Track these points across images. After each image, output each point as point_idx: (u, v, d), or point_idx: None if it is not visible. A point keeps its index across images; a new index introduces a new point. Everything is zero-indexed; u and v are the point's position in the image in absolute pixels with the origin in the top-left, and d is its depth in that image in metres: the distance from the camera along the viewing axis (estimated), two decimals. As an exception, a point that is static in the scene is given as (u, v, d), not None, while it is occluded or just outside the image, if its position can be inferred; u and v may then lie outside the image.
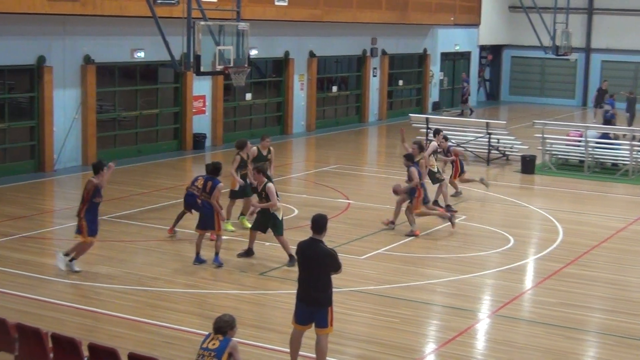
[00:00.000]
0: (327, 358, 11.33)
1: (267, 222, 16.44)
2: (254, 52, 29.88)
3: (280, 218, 16.43)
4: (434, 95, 45.23)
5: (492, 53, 51.71)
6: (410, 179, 19.16)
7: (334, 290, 11.25)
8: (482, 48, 50.16)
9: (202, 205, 16.38)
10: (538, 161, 27.88)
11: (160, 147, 29.07)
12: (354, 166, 28.30)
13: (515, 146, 29.69)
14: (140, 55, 27.85)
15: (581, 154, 28.31)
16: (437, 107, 44.92)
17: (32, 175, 24.81)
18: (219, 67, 21.56)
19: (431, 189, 21.07)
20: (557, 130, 30.39)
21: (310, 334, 11.38)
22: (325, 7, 33.62)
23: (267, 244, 17.80)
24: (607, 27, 49.16)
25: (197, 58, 21.13)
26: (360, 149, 33.46)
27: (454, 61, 47.29)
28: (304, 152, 32.18)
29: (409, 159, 19.58)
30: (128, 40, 27.46)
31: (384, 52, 40.31)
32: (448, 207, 21.30)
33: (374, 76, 40.05)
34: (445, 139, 23.15)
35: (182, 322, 13.31)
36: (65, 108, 25.75)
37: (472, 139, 29.98)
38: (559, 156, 29.14)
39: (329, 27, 35.63)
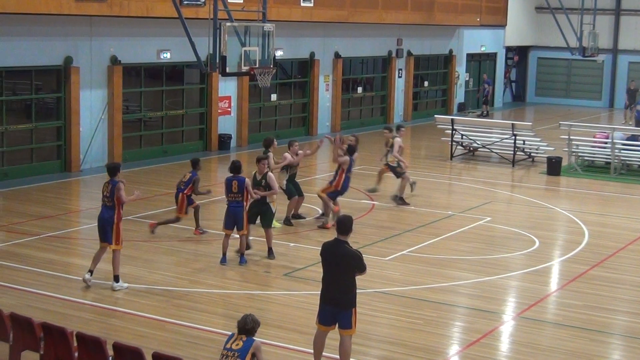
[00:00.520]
0: (351, 359, 11.32)
1: (259, 212, 16.74)
2: (279, 53, 29.92)
3: (273, 210, 16.92)
4: (459, 96, 45.11)
5: (519, 54, 51.49)
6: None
7: (358, 291, 11.25)
8: (509, 49, 49.96)
9: (228, 205, 16.37)
10: (564, 163, 27.74)
11: (185, 148, 29.16)
12: (378, 167, 28.22)
13: (541, 148, 29.56)
14: (167, 56, 27.96)
15: (607, 156, 28.14)
16: (462, 109, 44.79)
17: (59, 175, 24.96)
18: (244, 68, 21.59)
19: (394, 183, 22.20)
20: (583, 132, 30.24)
21: (334, 335, 11.39)
22: (350, 8, 33.60)
23: (292, 244, 17.85)
24: (634, 28, 48.83)
25: (223, 59, 21.17)
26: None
27: (480, 62, 47.14)
28: (329, 153, 32.09)
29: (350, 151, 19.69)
30: (154, 41, 27.57)
31: (409, 53, 40.25)
32: (401, 199, 22.00)
33: (399, 77, 39.99)
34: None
35: (206, 322, 13.35)
36: (92, 108, 25.89)
37: (498, 140, 29.87)
38: (585, 158, 28.98)
39: (355, 28, 35.62)
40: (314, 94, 34.67)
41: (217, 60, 21.34)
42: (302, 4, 31.18)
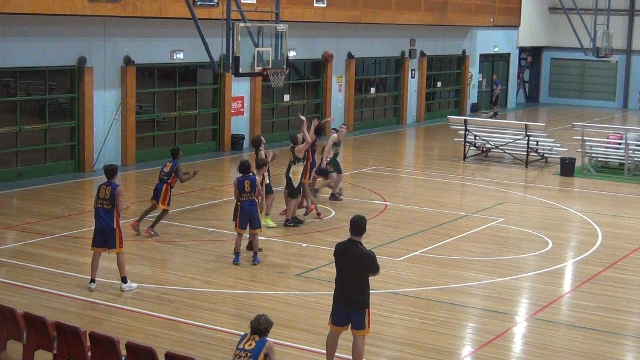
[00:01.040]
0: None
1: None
2: (292, 54, 29.93)
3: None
4: (472, 97, 45.04)
5: (532, 55, 51.40)
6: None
7: (371, 292, 11.24)
8: (522, 50, 49.86)
9: (242, 205, 16.36)
10: (577, 164, 27.67)
11: (198, 148, 29.21)
12: (391, 168, 28.27)
13: (554, 148, 29.48)
14: (180, 56, 28.01)
15: (621, 157, 28.05)
16: (475, 109, 44.73)
17: (72, 175, 25.04)
18: (257, 69, 21.62)
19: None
20: (597, 133, 30.17)
21: (346, 336, 11.39)
22: (363, 9, 33.59)
23: (305, 245, 17.85)
24: (648, 28, 48.74)
25: (236, 59, 21.20)
26: (398, 151, 33.40)
27: (493, 63, 47.06)
28: (342, 154, 32.06)
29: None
30: (167, 41, 27.63)
31: (422, 54, 40.22)
32: (333, 196, 21.92)
33: (412, 77, 39.97)
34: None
35: (219, 322, 13.36)
36: (105, 109, 25.96)
37: (511, 141, 29.81)
38: (599, 159, 28.90)
39: (368, 29, 35.61)
40: (327, 94, 34.68)
41: (230, 61, 21.37)
42: (315, 5, 31.20)
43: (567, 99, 50.83)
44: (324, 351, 11.47)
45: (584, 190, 25.66)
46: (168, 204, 18.40)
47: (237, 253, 16.43)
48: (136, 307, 13.96)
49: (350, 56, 35.60)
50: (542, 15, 50.25)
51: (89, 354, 10.42)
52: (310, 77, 34.87)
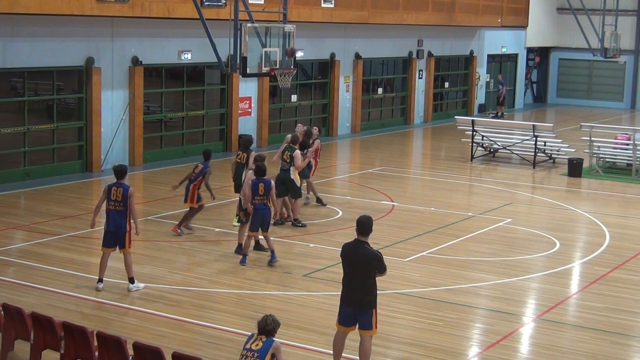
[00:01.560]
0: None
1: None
2: (300, 54, 29.93)
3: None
4: (480, 97, 45.00)
5: (540, 55, 51.33)
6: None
7: (378, 292, 11.24)
8: (530, 50, 49.80)
9: (255, 208, 16.32)
10: (585, 164, 27.63)
11: (206, 148, 29.16)
12: (398, 168, 28.25)
13: (562, 149, 29.44)
14: (187, 56, 28.03)
15: (629, 157, 28.00)
16: (483, 110, 44.68)
17: (80, 175, 25.08)
18: (265, 69, 21.63)
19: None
20: (604, 133, 30.11)
21: (354, 336, 11.39)
22: (371, 9, 33.59)
23: (312, 245, 17.86)
24: (657, 29, 48.62)
25: (244, 60, 21.19)
26: (405, 151, 33.38)
27: (501, 63, 47.02)
28: (349, 154, 32.17)
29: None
30: (175, 42, 27.65)
31: (430, 54, 40.20)
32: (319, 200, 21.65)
33: (420, 78, 39.95)
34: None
35: (226, 322, 13.37)
36: (113, 109, 26.00)
37: (519, 141, 29.78)
38: (607, 159, 28.85)
39: (375, 29, 35.60)
40: (334, 94, 34.67)
41: (238, 61, 21.37)
42: (323, 5, 31.21)
43: (574, 99, 50.75)
44: (331, 351, 11.47)
45: (591, 191, 25.62)
46: (197, 202, 18.50)
47: (245, 255, 16.43)
48: (143, 307, 13.97)
49: (357, 56, 35.60)
50: (550, 16, 50.18)
51: (96, 354, 10.43)
52: (317, 77, 34.87)
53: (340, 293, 11.33)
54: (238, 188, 19.26)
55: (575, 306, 15.01)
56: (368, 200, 22.64)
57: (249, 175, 16.94)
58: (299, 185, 19.42)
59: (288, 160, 19.51)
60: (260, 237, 16.84)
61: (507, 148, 29.93)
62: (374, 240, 17.28)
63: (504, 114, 43.19)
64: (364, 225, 11.10)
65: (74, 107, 25.72)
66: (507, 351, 12.66)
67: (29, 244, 17.63)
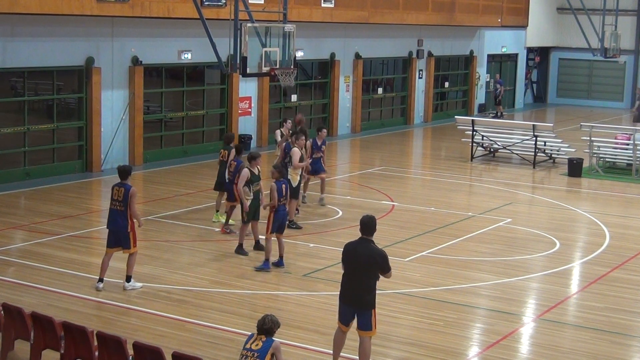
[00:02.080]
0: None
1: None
2: (300, 54, 29.94)
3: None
4: (480, 97, 45.00)
5: (540, 55, 51.33)
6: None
7: (378, 292, 11.25)
8: (530, 50, 49.79)
9: (278, 210, 16.14)
10: (585, 164, 27.62)
11: (206, 148, 29.20)
12: (399, 168, 28.25)
13: (562, 149, 29.44)
14: (187, 56, 28.03)
15: (629, 157, 28.00)
16: (483, 110, 44.68)
17: (80, 175, 25.08)
18: (265, 69, 21.63)
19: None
20: (604, 133, 30.11)
21: (354, 336, 11.39)
22: (371, 9, 33.58)
23: (312, 245, 17.86)
24: (657, 28, 48.61)
25: (244, 59, 21.20)
26: (405, 151, 33.39)
27: (501, 63, 47.02)
28: (349, 154, 32.16)
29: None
30: (175, 41, 27.65)
31: (430, 54, 40.20)
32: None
33: (420, 78, 39.95)
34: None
35: (226, 322, 13.37)
36: (113, 109, 25.99)
37: (519, 141, 29.78)
38: (607, 159, 28.85)
39: (375, 29, 35.60)
40: (335, 94, 34.67)
41: (238, 61, 21.38)
42: (323, 5, 31.21)
43: (575, 99, 50.74)
44: (331, 351, 11.48)
45: (591, 190, 25.62)
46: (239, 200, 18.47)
47: (267, 259, 16.18)
48: (143, 307, 13.97)
49: (357, 56, 35.60)
50: (550, 16, 50.18)
51: (96, 353, 10.44)
52: (317, 77, 34.88)
53: (339, 293, 11.33)
54: (219, 186, 19.31)
55: (575, 306, 15.01)
56: (368, 200, 22.64)
57: (243, 174, 16.91)
58: (295, 185, 19.28)
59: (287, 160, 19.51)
60: (273, 238, 16.61)
61: (507, 148, 29.93)
62: (375, 240, 17.30)
63: (503, 113, 43.18)
64: (368, 224, 11.15)
65: (74, 107, 25.72)
66: (507, 351, 12.66)
67: (29, 244, 17.63)
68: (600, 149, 28.62)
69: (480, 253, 17.94)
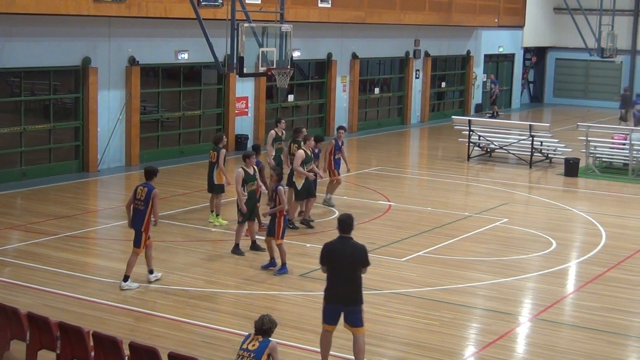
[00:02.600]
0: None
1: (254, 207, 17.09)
2: (296, 54, 29.93)
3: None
4: (476, 97, 45.01)
5: (537, 55, 51.35)
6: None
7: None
8: (526, 50, 49.81)
9: (287, 215, 16.19)
10: (582, 164, 27.64)
11: (203, 148, 29.11)
12: (395, 168, 28.25)
13: (558, 149, 29.46)
14: (184, 56, 28.03)
15: (626, 157, 28.02)
16: (479, 110, 44.70)
17: (77, 175, 25.06)
18: (262, 69, 21.62)
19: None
20: (601, 133, 30.13)
21: (346, 335, 11.38)
22: (368, 9, 33.59)
23: (308, 245, 17.86)
24: (653, 28, 48.63)
25: (241, 60, 21.20)
26: (402, 151, 33.39)
27: (498, 63, 47.03)
28: (346, 154, 32.09)
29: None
30: (172, 41, 27.64)
31: (427, 54, 40.21)
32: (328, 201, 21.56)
33: (417, 78, 39.96)
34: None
35: (222, 322, 13.37)
36: (110, 109, 25.99)
37: (515, 141, 29.80)
38: (603, 159, 28.87)
39: (372, 29, 35.60)
40: (331, 94, 34.68)
41: (235, 61, 21.38)
42: (320, 5, 31.21)
43: (571, 99, 50.76)
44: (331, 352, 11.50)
45: (588, 190, 25.64)
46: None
47: (284, 263, 16.00)
48: (139, 307, 13.97)
49: (354, 56, 35.60)
50: (546, 16, 50.20)
51: (92, 354, 10.43)
52: (314, 77, 34.87)
53: (325, 292, 11.37)
54: (209, 188, 19.36)
55: (571, 306, 15.03)
56: (365, 200, 22.65)
57: (238, 174, 16.91)
58: (300, 188, 19.25)
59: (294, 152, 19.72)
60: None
61: (504, 148, 29.94)
62: (371, 240, 17.36)
63: (498, 113, 43.17)
64: (346, 222, 11.28)
65: (71, 107, 25.70)
66: (504, 351, 12.67)
67: (25, 244, 17.62)
68: (597, 149, 28.65)
69: (477, 253, 17.95)
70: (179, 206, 21.26)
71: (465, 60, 43.66)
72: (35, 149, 24.63)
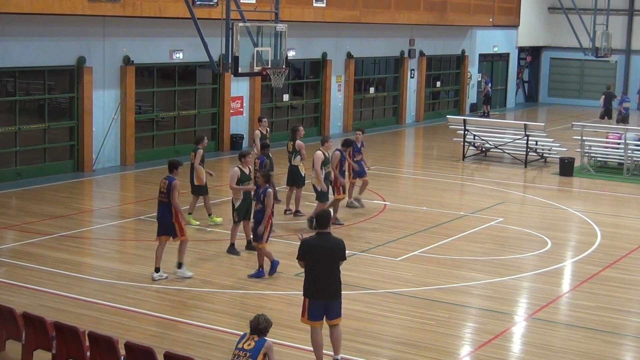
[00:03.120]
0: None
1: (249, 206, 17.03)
2: (291, 54, 29.93)
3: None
4: (471, 96, 45.03)
5: (531, 54, 51.39)
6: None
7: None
8: (521, 49, 49.85)
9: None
10: (577, 163, 27.67)
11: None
12: (390, 168, 28.26)
13: (553, 148, 29.49)
14: (179, 56, 28.00)
15: (620, 157, 28.05)
16: (474, 109, 44.71)
17: (71, 175, 25.03)
18: (257, 69, 21.62)
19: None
20: (596, 133, 30.16)
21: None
22: (363, 9, 33.59)
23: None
24: (647, 28, 48.70)
25: (236, 59, 21.20)
26: (397, 151, 33.40)
27: (493, 63, 47.06)
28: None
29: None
30: (167, 41, 27.61)
31: (421, 54, 40.22)
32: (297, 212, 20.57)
33: (412, 77, 39.97)
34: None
35: (218, 322, 13.37)
36: (105, 108, 25.95)
37: (510, 140, 29.82)
38: (598, 158, 28.91)
39: (367, 29, 35.60)
40: (326, 94, 34.66)
41: (230, 61, 21.37)
42: (315, 5, 31.20)
43: (566, 98, 50.79)
44: (324, 351, 11.49)
45: (583, 190, 25.67)
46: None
47: (261, 266, 15.93)
48: (135, 306, 13.96)
49: (349, 56, 35.60)
50: (541, 15, 50.24)
51: (88, 353, 10.42)
52: (309, 77, 34.87)
53: (307, 290, 11.44)
54: (191, 189, 19.44)
55: (567, 305, 15.04)
56: (361, 200, 22.61)
57: (233, 173, 16.97)
58: (303, 174, 19.86)
59: (291, 150, 19.94)
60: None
61: (499, 147, 29.96)
62: (366, 240, 17.38)
63: (489, 112, 43.09)
64: (324, 218, 11.56)
65: (66, 106, 25.67)
66: (499, 350, 12.68)
67: (20, 244, 17.59)
68: (592, 148, 28.68)
69: (472, 252, 17.95)
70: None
71: (460, 60, 43.67)
72: (30, 148, 24.59)
